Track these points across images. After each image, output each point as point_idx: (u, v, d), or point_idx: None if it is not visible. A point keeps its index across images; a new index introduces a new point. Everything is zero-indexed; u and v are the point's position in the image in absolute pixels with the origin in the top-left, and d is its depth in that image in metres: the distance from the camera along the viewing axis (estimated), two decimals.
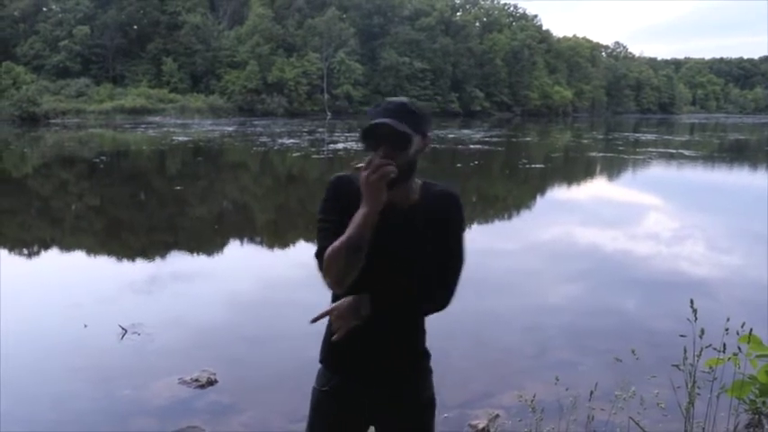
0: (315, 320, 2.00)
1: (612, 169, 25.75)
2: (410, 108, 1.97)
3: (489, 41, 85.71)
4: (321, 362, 2.18)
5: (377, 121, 1.91)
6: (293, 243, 11.78)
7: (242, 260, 10.23)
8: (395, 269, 2.02)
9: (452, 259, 2.07)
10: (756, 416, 3.91)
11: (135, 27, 68.27)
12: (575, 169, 26.21)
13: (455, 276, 2.07)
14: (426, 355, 2.20)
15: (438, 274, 2.05)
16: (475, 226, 12.98)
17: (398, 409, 2.13)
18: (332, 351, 2.12)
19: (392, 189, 1.90)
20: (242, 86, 66.39)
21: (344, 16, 76.80)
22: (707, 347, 3.27)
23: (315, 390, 2.18)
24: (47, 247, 11.25)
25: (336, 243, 1.88)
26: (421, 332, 2.17)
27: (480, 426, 4.51)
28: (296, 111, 67.36)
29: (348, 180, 2.01)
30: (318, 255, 1.97)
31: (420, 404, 2.18)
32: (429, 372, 2.21)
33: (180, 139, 35.20)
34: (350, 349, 2.07)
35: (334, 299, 2.09)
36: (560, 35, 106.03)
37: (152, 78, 66.01)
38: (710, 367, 3.33)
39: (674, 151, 32.13)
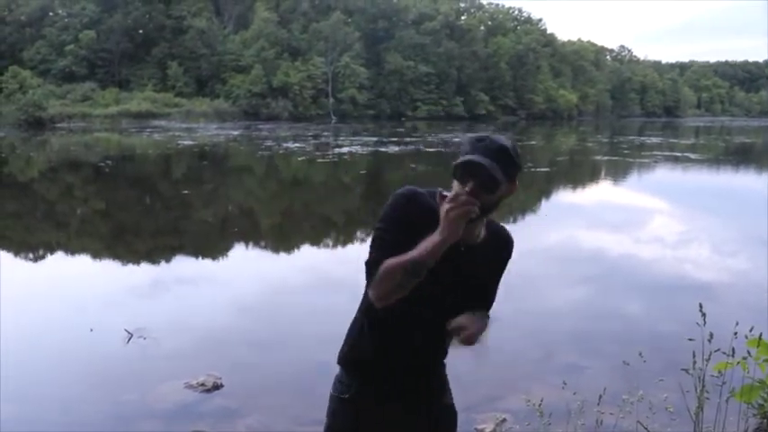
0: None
1: (618, 173, 25.68)
2: (509, 153, 1.91)
3: (494, 45, 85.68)
4: (341, 364, 2.16)
5: (475, 158, 1.84)
6: (298, 247, 11.78)
7: (247, 264, 10.23)
8: (448, 308, 2.01)
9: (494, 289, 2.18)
10: (765, 420, 3.88)
11: (140, 31, 68.46)
12: (580, 173, 26.17)
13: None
14: (444, 366, 2.24)
15: (482, 298, 2.13)
16: None
17: (420, 421, 2.15)
18: (358, 360, 2.11)
19: (467, 226, 1.88)
20: (247, 90, 66.48)
21: (349, 20, 76.91)
22: (716, 351, 3.25)
23: (333, 396, 2.16)
24: (53, 250, 11.27)
25: (396, 261, 1.84)
26: (447, 350, 2.21)
27: (487, 430, 4.48)
28: (301, 115, 67.40)
29: (421, 197, 1.96)
30: (372, 264, 1.92)
31: (442, 414, 2.21)
32: (447, 382, 2.25)
33: (185, 143, 35.27)
34: (380, 366, 2.08)
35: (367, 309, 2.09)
36: (565, 39, 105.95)
37: (157, 82, 66.16)
38: (719, 371, 3.31)
39: (679, 154, 32.05)
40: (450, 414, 2.24)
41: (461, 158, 1.85)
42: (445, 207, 1.80)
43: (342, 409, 2.13)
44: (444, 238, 1.80)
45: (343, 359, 2.15)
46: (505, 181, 1.89)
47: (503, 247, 2.13)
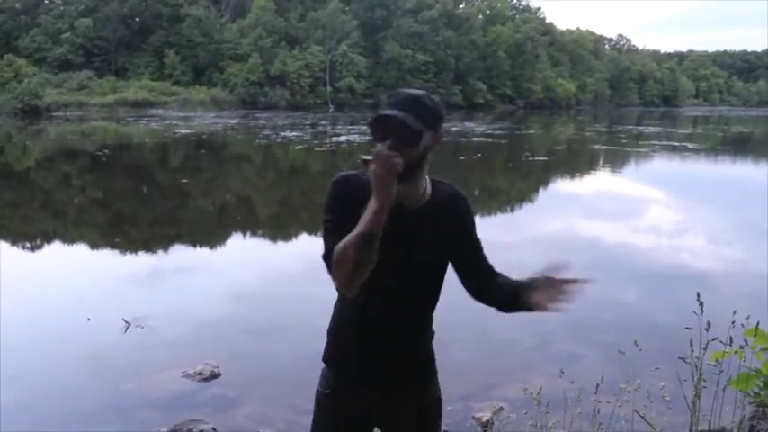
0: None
1: (615, 162, 25.69)
2: (424, 102, 1.89)
3: (492, 34, 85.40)
4: (324, 361, 2.14)
5: (387, 112, 1.83)
6: (296, 236, 11.77)
7: (245, 253, 10.23)
8: (405, 273, 1.98)
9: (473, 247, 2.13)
10: (761, 408, 3.90)
11: (137, 19, 68.16)
12: (578, 162, 26.16)
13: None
14: (432, 356, 2.18)
15: (483, 261, 2.11)
16: (477, 219, 12.92)
17: (402, 412, 2.12)
18: (336, 352, 2.10)
19: (399, 184, 1.82)
20: (244, 79, 66.27)
21: (347, 9, 76.56)
22: (713, 340, 3.25)
23: (317, 392, 2.15)
24: (50, 240, 11.25)
25: (345, 241, 1.79)
26: (428, 335, 2.15)
27: (484, 419, 4.50)
28: (298, 103, 67.26)
29: (352, 178, 1.93)
30: (326, 256, 1.87)
31: (425, 405, 2.17)
32: (434, 373, 2.19)
33: (182, 131, 35.18)
34: (354, 351, 2.05)
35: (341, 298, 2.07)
36: (563, 28, 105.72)
37: (154, 71, 65.90)
38: (716, 360, 3.32)
39: (677, 144, 32.05)
40: (436, 408, 2.21)
41: (374, 115, 1.84)
42: (371, 168, 1.76)
43: (324, 403, 2.12)
44: (380, 200, 1.76)
45: (324, 355, 2.14)
46: (426, 130, 1.86)
47: (452, 204, 2.06)
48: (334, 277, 1.86)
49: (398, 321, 2.02)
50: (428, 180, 2.02)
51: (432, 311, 2.13)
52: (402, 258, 1.96)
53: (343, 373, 2.09)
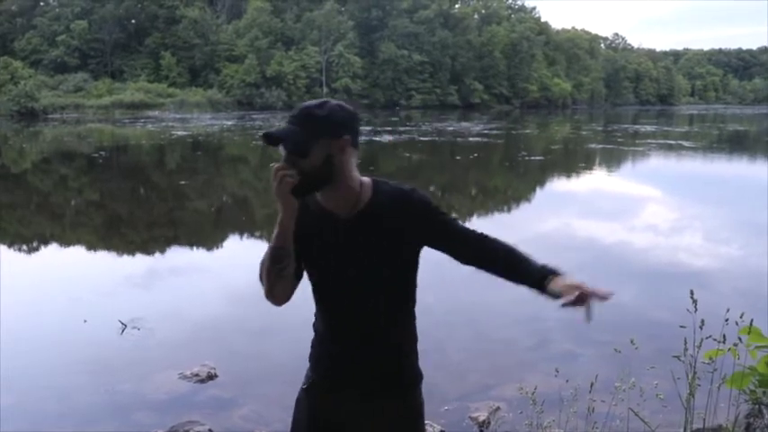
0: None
1: (612, 161, 25.72)
2: (313, 111, 1.85)
3: (488, 34, 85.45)
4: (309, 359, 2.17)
5: (264, 131, 1.84)
6: None
7: (242, 254, 10.22)
8: (346, 283, 1.97)
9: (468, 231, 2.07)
10: (756, 406, 3.91)
11: (133, 21, 68.15)
12: (574, 161, 26.18)
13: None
14: (411, 361, 2.09)
15: (469, 237, 2.06)
16: (474, 218, 12.98)
17: (375, 417, 2.05)
18: (313, 349, 2.13)
19: (305, 196, 1.86)
20: (241, 80, 66.29)
21: (343, 9, 76.60)
22: (707, 338, 3.26)
23: (300, 389, 2.18)
24: (46, 242, 11.25)
25: (263, 254, 1.90)
26: (400, 339, 2.06)
27: (481, 418, 4.51)
28: (295, 104, 65.88)
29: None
30: None
31: (398, 413, 2.07)
32: (413, 378, 2.10)
33: (179, 133, 35.16)
34: (325, 348, 2.07)
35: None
36: (559, 27, 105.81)
37: (150, 73, 65.91)
38: (711, 358, 3.33)
39: (673, 142, 32.09)
40: (412, 415, 2.10)
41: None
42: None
43: (303, 398, 2.15)
44: (280, 212, 1.83)
45: (309, 353, 2.16)
46: (318, 139, 1.83)
47: (397, 203, 1.95)
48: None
49: (360, 328, 1.99)
50: (369, 184, 1.99)
51: (397, 316, 2.04)
52: (339, 269, 1.96)
53: (318, 370, 2.10)
